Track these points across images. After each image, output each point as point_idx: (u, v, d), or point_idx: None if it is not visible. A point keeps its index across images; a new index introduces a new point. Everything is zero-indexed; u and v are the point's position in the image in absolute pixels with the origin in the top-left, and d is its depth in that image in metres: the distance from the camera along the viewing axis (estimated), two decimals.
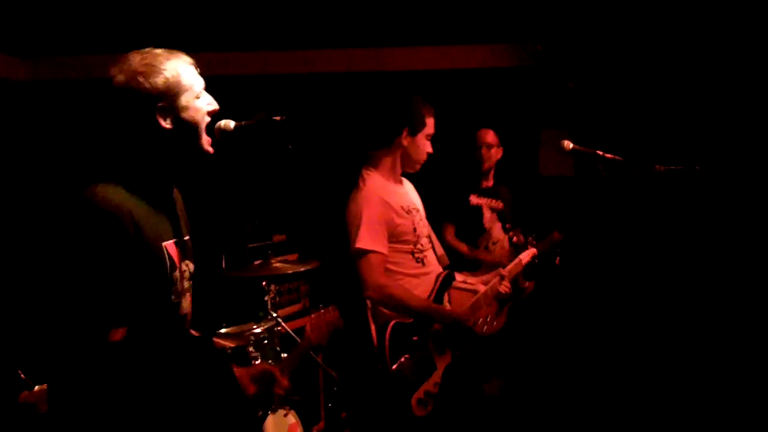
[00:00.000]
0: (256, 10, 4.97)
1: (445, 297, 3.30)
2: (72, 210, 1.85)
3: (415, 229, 3.24)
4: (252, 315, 3.75)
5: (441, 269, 3.36)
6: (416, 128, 3.27)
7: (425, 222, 3.36)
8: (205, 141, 2.03)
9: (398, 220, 3.19)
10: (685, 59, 4.56)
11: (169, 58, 1.97)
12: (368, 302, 3.20)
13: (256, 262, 3.77)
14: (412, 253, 3.23)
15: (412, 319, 3.16)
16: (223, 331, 3.68)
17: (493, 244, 4.41)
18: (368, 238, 3.11)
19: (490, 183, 4.51)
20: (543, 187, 4.98)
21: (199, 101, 2.00)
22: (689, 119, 4.57)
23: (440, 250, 3.46)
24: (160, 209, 1.99)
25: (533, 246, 3.55)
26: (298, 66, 5.14)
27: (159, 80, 1.92)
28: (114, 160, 1.96)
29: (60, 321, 1.80)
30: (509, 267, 3.47)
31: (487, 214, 4.42)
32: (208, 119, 2.02)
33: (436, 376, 3.17)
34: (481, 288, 3.35)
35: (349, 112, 4.49)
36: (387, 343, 3.06)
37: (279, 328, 3.57)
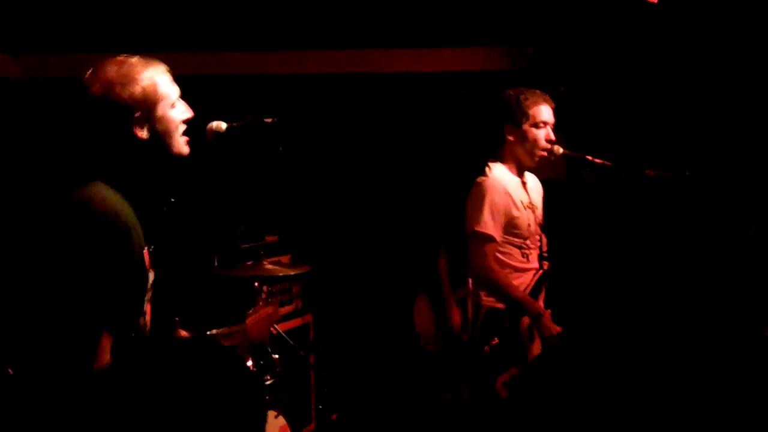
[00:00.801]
0: (249, 10, 4.97)
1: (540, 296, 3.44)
2: (69, 211, 1.83)
3: (529, 225, 3.36)
4: (243, 316, 3.75)
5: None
6: (518, 120, 3.34)
7: (540, 220, 3.46)
8: (182, 142, 2.02)
9: (516, 213, 3.31)
10: (678, 64, 4.58)
11: (146, 67, 1.97)
12: (470, 286, 3.35)
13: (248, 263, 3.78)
14: (521, 248, 3.35)
15: (505, 306, 3.29)
16: (214, 331, 3.68)
17: None
18: (489, 223, 3.24)
19: None
20: None
21: (174, 111, 2.00)
22: (681, 124, 4.59)
23: (544, 247, 3.52)
24: (139, 215, 1.98)
25: None
26: (293, 67, 5.14)
27: (136, 90, 1.92)
28: (99, 163, 1.96)
29: (52, 326, 1.77)
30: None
31: None
32: (183, 127, 2.02)
33: (524, 364, 3.30)
34: None
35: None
36: (479, 323, 3.25)
37: (270, 329, 3.57)
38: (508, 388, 3.24)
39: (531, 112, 3.34)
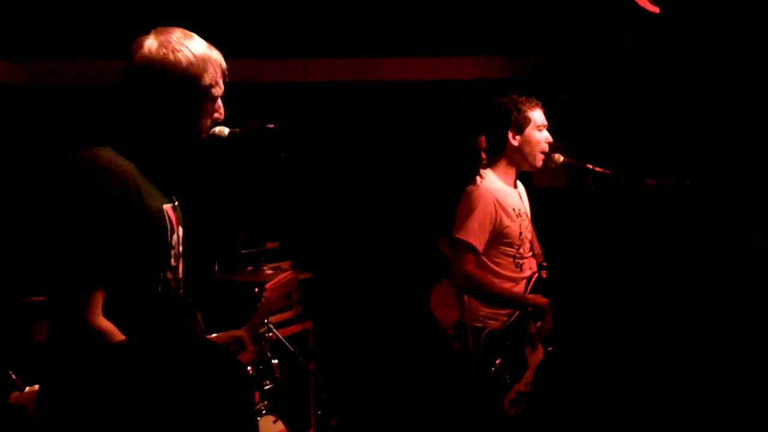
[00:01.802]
0: (251, 18, 4.99)
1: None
2: (73, 172, 1.85)
3: (520, 234, 3.35)
4: (243, 321, 3.76)
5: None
6: (520, 126, 3.35)
7: (531, 228, 3.46)
8: (201, 139, 2.03)
9: (507, 222, 3.30)
10: (679, 72, 4.59)
11: (205, 50, 1.99)
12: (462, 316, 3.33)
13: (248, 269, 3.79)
14: (514, 258, 3.35)
15: (503, 327, 3.28)
16: (213, 336, 3.69)
17: None
18: (472, 233, 3.24)
19: None
20: (535, 198, 5.00)
21: (210, 104, 2.00)
22: (681, 132, 4.60)
23: (537, 249, 3.53)
24: (156, 174, 1.99)
25: None
26: (294, 74, 5.16)
27: (183, 60, 1.93)
28: (112, 124, 1.97)
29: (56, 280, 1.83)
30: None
31: None
32: (208, 124, 2.03)
33: (528, 375, 3.29)
34: None
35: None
36: (481, 348, 3.23)
37: (270, 334, 3.58)
38: (516, 405, 3.24)
39: (531, 115, 3.36)
